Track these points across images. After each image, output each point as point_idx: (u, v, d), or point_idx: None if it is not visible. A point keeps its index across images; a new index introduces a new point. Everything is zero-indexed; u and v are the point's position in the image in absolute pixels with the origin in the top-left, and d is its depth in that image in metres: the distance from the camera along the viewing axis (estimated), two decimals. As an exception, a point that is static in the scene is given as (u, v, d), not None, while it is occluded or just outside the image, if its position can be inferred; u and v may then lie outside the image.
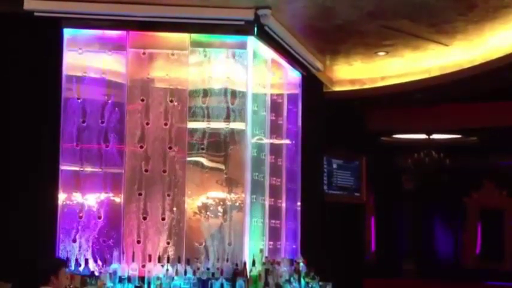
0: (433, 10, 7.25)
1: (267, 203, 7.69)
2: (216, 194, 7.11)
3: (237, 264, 6.80)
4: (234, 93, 7.18)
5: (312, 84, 9.20)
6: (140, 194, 6.91)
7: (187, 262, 6.71)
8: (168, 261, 6.67)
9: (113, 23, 6.92)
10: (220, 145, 7.10)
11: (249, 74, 7.19)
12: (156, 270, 6.61)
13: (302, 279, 7.37)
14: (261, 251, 7.34)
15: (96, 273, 6.49)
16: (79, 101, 6.98)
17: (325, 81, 10.02)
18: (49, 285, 5.33)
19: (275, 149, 8.01)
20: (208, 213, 7.07)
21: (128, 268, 6.58)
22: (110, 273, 6.46)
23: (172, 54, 7.14)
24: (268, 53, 7.78)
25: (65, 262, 6.09)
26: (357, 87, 10.54)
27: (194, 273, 6.61)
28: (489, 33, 8.13)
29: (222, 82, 7.19)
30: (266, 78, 7.80)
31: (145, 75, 7.07)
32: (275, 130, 8.03)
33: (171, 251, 6.82)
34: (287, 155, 8.40)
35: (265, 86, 7.79)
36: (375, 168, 13.72)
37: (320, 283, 7.44)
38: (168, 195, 6.93)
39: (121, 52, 7.04)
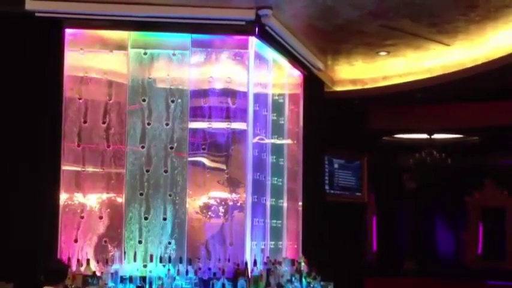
0: (434, 10, 7.25)
1: (268, 203, 7.69)
2: (217, 194, 7.12)
3: (238, 264, 6.80)
4: (235, 94, 7.19)
5: (313, 84, 9.20)
6: (141, 194, 6.91)
7: (189, 262, 6.72)
8: (169, 261, 6.69)
9: (114, 24, 6.93)
10: (222, 145, 7.11)
11: (250, 74, 7.19)
12: (157, 270, 6.61)
13: (303, 279, 7.37)
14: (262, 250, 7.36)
15: (98, 273, 6.49)
16: (80, 101, 6.99)
17: (326, 81, 10.02)
18: (54, 286, 5.39)
19: (276, 149, 8.01)
20: (209, 213, 7.08)
21: (129, 268, 6.58)
22: (112, 273, 6.47)
23: (174, 55, 7.15)
24: (269, 53, 7.78)
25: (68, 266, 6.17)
26: (358, 87, 10.54)
27: (196, 273, 6.62)
28: (491, 33, 8.13)
29: (223, 82, 7.21)
30: (267, 78, 7.80)
31: (146, 76, 7.08)
32: (276, 130, 8.03)
33: (172, 251, 6.82)
34: (288, 155, 8.40)
35: (267, 86, 7.79)
36: (376, 168, 13.73)
37: (321, 283, 7.44)
38: (170, 196, 6.94)
39: (122, 52, 7.04)
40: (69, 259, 6.58)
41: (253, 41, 7.23)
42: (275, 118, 8.00)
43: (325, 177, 11.12)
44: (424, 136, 13.78)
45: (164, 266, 6.65)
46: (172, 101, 7.05)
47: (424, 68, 9.77)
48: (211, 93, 7.18)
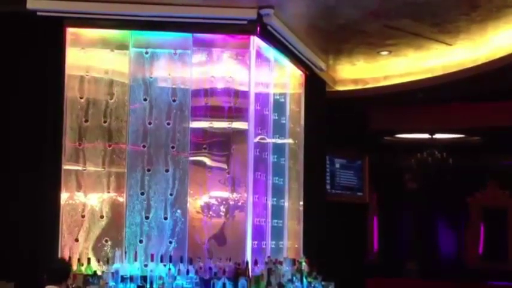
0: (436, 10, 7.25)
1: (269, 203, 7.68)
2: (218, 193, 7.12)
3: (239, 264, 6.80)
4: (236, 93, 7.19)
5: (314, 83, 9.20)
6: (143, 194, 6.91)
7: (190, 261, 6.71)
8: (170, 261, 6.67)
9: (115, 23, 6.94)
10: (223, 145, 7.11)
11: (252, 74, 7.19)
12: (158, 269, 6.60)
13: (304, 279, 7.36)
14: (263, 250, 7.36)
15: (99, 273, 6.49)
16: (82, 100, 6.99)
17: (328, 81, 10.02)
18: (57, 285, 5.40)
19: (278, 149, 8.00)
20: (210, 212, 7.08)
21: (130, 267, 6.58)
22: (112, 273, 6.45)
23: (175, 54, 7.14)
24: (270, 52, 7.78)
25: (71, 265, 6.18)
26: (359, 86, 10.55)
27: (196, 272, 6.61)
28: (492, 32, 8.12)
29: (224, 81, 7.21)
30: (269, 78, 7.80)
31: (147, 75, 7.08)
32: (278, 129, 8.03)
33: (173, 251, 6.82)
34: (290, 155, 8.40)
35: (268, 85, 7.78)
36: (378, 168, 13.72)
37: (322, 283, 7.43)
38: (171, 195, 6.94)
39: (124, 51, 7.04)
40: (70, 258, 6.57)
41: (255, 41, 7.23)
42: (276, 117, 7.99)
43: (326, 177, 11.11)
44: (426, 136, 13.78)
45: (165, 265, 6.63)
46: (174, 100, 7.05)
47: (426, 68, 9.77)
48: (213, 93, 7.18)
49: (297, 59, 8.37)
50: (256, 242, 7.20)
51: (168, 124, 7.02)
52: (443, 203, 15.57)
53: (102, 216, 6.90)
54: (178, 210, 6.93)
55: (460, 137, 13.85)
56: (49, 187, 6.76)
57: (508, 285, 13.11)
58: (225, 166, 7.11)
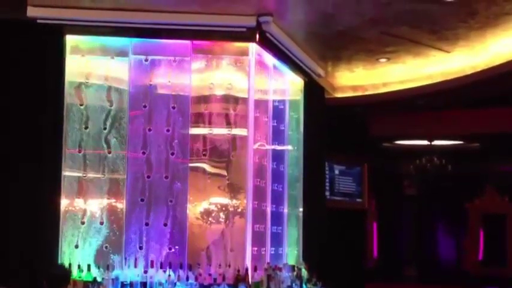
0: (434, 17, 7.27)
1: (268, 209, 7.70)
2: (218, 199, 7.14)
3: (239, 270, 6.81)
4: (236, 100, 7.21)
5: (313, 90, 9.22)
6: (142, 200, 6.93)
7: (189, 268, 6.73)
8: (170, 267, 6.69)
9: (115, 30, 6.96)
10: (222, 151, 7.13)
11: (251, 81, 7.21)
12: (158, 276, 6.62)
13: (304, 285, 7.38)
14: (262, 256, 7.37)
15: (99, 279, 6.50)
16: (82, 107, 7.01)
17: (327, 88, 10.04)
18: None
19: (277, 155, 8.02)
20: (210, 219, 7.09)
21: (130, 274, 6.59)
22: (112, 279, 6.47)
23: (175, 61, 7.17)
24: (270, 59, 7.80)
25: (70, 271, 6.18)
26: (358, 93, 10.56)
27: (196, 278, 6.63)
28: (491, 39, 8.14)
29: (224, 88, 7.23)
30: (268, 85, 7.82)
31: (147, 82, 7.10)
32: (277, 136, 8.05)
33: (173, 257, 6.83)
34: (289, 161, 8.42)
35: (267, 92, 7.81)
36: (377, 174, 13.74)
37: (322, 289, 7.45)
38: (170, 201, 6.95)
39: (123, 59, 7.07)
40: (70, 265, 6.58)
41: (254, 48, 7.25)
42: (276, 124, 8.02)
43: (325, 183, 11.12)
44: (425, 142, 13.80)
45: (165, 271, 6.65)
46: (173, 107, 7.07)
47: (424, 75, 9.78)
48: (212, 100, 7.20)
49: (296, 66, 8.40)
50: (255, 249, 7.22)
51: (168, 131, 7.04)
52: (442, 209, 15.59)
53: (102, 223, 6.91)
54: (178, 217, 6.94)
55: (459, 144, 13.88)
56: (49, 193, 6.77)
57: (507, 291, 13.12)
58: (224, 172, 7.13)
